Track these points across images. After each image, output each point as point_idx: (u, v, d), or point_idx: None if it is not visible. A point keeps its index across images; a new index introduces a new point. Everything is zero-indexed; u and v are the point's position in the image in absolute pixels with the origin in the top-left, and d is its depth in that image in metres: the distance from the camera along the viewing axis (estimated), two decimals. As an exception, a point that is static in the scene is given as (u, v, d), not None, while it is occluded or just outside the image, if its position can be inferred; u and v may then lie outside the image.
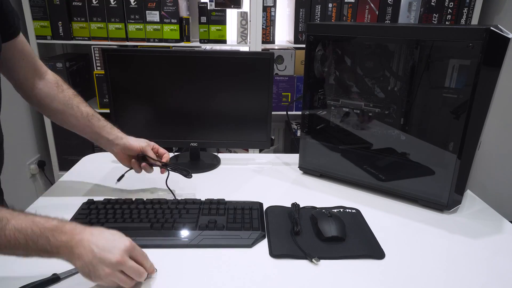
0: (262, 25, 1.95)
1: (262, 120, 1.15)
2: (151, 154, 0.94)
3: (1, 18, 0.75)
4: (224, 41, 1.98)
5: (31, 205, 0.92)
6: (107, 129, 0.92)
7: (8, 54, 0.80)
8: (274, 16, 1.95)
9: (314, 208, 0.91)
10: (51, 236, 0.58)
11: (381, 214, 0.92)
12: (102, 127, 0.91)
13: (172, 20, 1.92)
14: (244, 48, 2.04)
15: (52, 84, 0.88)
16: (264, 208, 0.92)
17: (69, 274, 0.68)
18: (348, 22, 1.83)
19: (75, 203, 0.91)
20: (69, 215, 0.86)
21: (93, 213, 0.84)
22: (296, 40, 2.00)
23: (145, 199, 0.90)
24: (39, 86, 0.87)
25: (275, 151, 2.41)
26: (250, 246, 0.78)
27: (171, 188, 1.00)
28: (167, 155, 0.97)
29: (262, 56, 1.09)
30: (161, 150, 0.98)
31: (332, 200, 0.98)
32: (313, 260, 0.73)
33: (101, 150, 1.03)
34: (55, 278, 0.66)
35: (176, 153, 1.26)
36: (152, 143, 0.97)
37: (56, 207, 0.91)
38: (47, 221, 0.60)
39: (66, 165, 2.14)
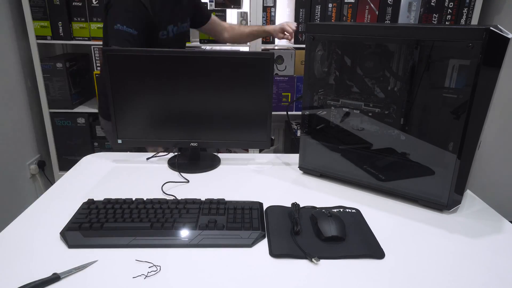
0: (262, 25, 1.95)
1: (262, 120, 1.15)
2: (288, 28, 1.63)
3: (199, 10, 1.61)
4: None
5: (31, 205, 0.92)
6: (262, 29, 1.72)
7: (211, 28, 1.70)
8: (274, 16, 1.95)
9: (314, 208, 0.91)
10: None
11: (381, 214, 0.92)
12: (260, 30, 1.73)
13: (172, 20, 1.92)
14: (244, 48, 2.04)
15: (229, 29, 1.75)
16: (264, 208, 0.92)
17: (69, 273, 0.68)
18: (348, 22, 1.83)
19: (75, 203, 0.91)
20: (69, 215, 0.86)
21: (93, 213, 0.84)
22: (296, 40, 2.00)
23: (145, 199, 0.90)
24: (226, 35, 1.76)
25: (275, 151, 2.41)
26: (250, 246, 0.78)
27: (169, 193, 1.00)
28: (291, 34, 1.69)
29: (262, 56, 1.09)
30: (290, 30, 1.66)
31: (332, 200, 0.98)
32: (313, 259, 0.73)
33: (101, 150, 1.03)
34: (55, 278, 0.66)
35: (176, 153, 1.26)
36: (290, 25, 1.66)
37: (56, 207, 0.91)
38: None
39: (66, 165, 2.14)
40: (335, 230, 0.80)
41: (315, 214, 0.85)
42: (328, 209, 0.89)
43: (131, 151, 1.38)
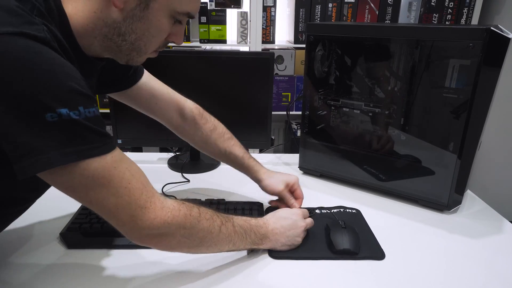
0: (262, 25, 1.94)
1: (262, 120, 1.15)
2: (286, 200, 0.88)
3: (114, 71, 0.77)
4: (224, 41, 1.98)
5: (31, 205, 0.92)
6: (246, 166, 0.92)
7: (138, 100, 0.86)
8: (274, 16, 1.95)
9: (321, 209, 0.90)
10: (256, 231, 0.72)
11: (381, 214, 0.92)
12: (241, 164, 0.92)
13: (172, 20, 1.92)
14: (244, 48, 2.04)
15: (191, 121, 0.90)
16: (264, 208, 0.92)
17: None
18: (348, 22, 1.83)
19: (75, 203, 0.91)
20: (69, 215, 0.86)
21: (93, 213, 0.84)
22: (296, 40, 2.00)
23: (145, 199, 0.89)
24: (183, 125, 0.90)
25: (275, 151, 2.40)
26: (250, 246, 0.77)
27: (169, 193, 1.00)
28: (300, 201, 0.90)
29: (262, 56, 1.09)
30: (298, 191, 0.90)
31: (332, 200, 0.98)
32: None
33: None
34: None
35: (176, 153, 1.26)
36: (292, 182, 0.90)
37: (56, 208, 0.91)
38: (250, 220, 0.73)
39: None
40: (347, 244, 0.75)
41: (329, 225, 0.81)
42: (334, 213, 0.89)
43: None
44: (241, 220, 0.71)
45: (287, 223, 0.77)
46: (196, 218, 0.62)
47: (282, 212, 0.80)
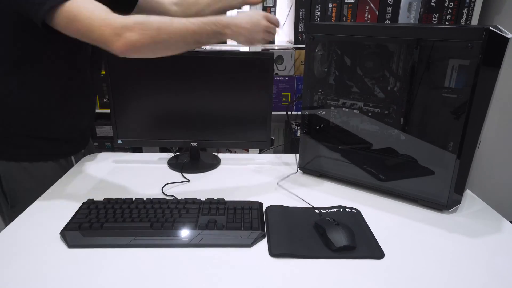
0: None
1: (262, 120, 1.15)
2: None
3: None
4: (224, 41, 1.98)
5: (31, 205, 0.92)
6: None
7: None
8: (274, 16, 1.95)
9: (321, 208, 0.91)
10: (216, 22, 0.82)
11: (381, 214, 0.92)
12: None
13: (172, 20, 1.92)
14: (244, 48, 2.04)
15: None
16: (264, 208, 0.92)
17: None
18: (348, 22, 1.83)
19: (75, 203, 0.91)
20: (69, 215, 0.86)
21: (93, 213, 0.84)
22: (296, 40, 2.00)
23: (145, 199, 0.90)
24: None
25: (275, 151, 2.40)
26: (249, 245, 0.78)
27: (169, 193, 1.00)
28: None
29: (262, 56, 1.09)
30: None
31: (332, 200, 0.98)
32: None
33: (101, 150, 1.03)
34: None
35: (176, 153, 1.26)
36: None
37: (56, 207, 0.91)
38: (207, 17, 0.83)
39: (66, 165, 2.14)
40: (345, 239, 0.76)
41: (320, 223, 0.82)
42: (329, 213, 0.89)
43: None
44: (194, 18, 0.81)
45: (248, 18, 0.86)
46: (146, 16, 0.77)
47: (243, 13, 0.89)
